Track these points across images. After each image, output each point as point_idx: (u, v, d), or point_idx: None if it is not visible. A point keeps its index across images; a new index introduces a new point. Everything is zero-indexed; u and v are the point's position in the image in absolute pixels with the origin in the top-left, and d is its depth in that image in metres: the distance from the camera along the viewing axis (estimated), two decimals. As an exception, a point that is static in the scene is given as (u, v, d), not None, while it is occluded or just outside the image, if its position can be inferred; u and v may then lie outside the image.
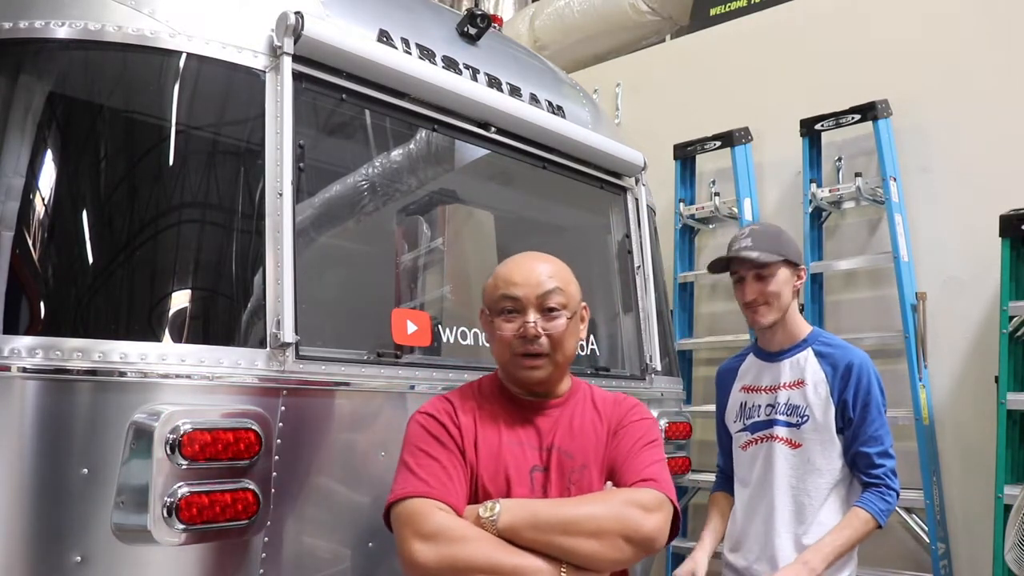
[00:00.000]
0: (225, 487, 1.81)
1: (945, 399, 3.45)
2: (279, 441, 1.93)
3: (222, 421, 1.82)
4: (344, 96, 2.26)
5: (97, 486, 1.75)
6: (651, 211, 3.27)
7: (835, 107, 3.71)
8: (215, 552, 1.86)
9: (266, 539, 1.92)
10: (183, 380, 1.83)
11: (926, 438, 3.39)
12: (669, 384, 3.10)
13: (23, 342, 1.76)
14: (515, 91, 2.74)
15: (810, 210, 3.78)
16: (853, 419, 2.30)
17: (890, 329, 3.55)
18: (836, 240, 3.87)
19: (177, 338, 1.86)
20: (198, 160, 2.02)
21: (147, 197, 1.96)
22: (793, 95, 3.98)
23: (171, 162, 1.97)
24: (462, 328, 2.47)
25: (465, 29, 2.69)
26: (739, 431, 2.49)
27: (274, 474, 1.92)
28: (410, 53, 2.42)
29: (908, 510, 3.46)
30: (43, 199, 1.90)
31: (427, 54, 2.48)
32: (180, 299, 1.94)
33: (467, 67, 2.59)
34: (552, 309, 1.80)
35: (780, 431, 2.37)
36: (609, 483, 1.82)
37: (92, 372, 1.76)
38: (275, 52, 2.08)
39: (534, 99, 2.81)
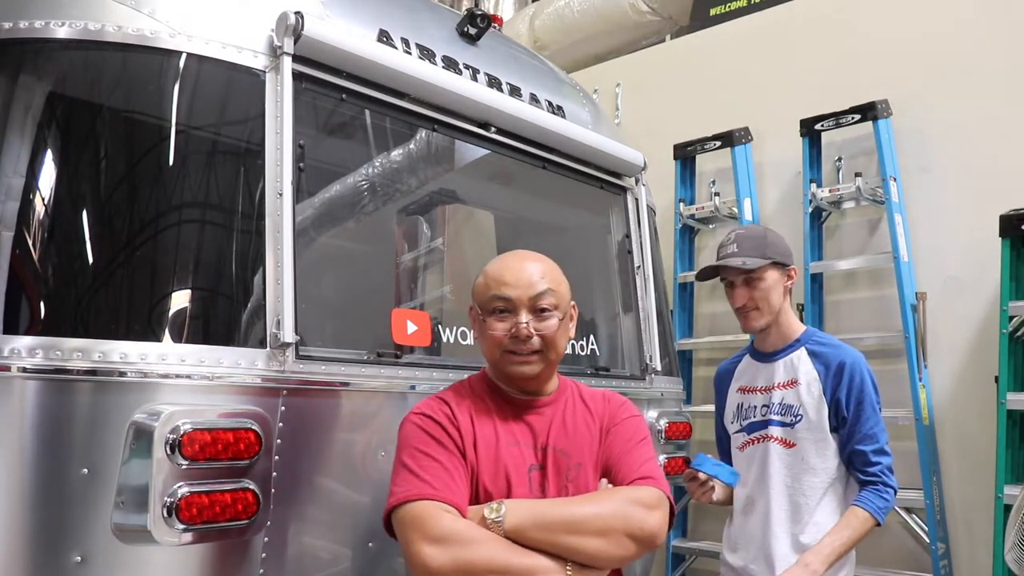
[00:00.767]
0: (225, 487, 1.81)
1: (945, 399, 3.45)
2: (279, 441, 1.93)
3: (222, 421, 1.82)
4: (344, 96, 2.26)
5: (97, 486, 1.75)
6: (651, 211, 3.27)
7: (835, 107, 3.71)
8: (215, 552, 1.86)
9: (266, 539, 1.92)
10: (183, 380, 1.83)
11: (926, 438, 3.39)
12: (669, 384, 3.11)
13: (23, 342, 1.76)
14: (515, 91, 2.74)
15: (810, 210, 3.78)
16: (847, 418, 2.31)
17: (890, 329, 3.55)
18: (836, 240, 3.87)
19: (177, 338, 1.86)
20: (198, 160, 2.02)
21: (147, 197, 1.96)
22: (793, 95, 3.98)
23: (171, 162, 1.97)
24: (462, 328, 2.47)
25: (465, 29, 2.69)
26: (736, 432, 2.50)
27: (274, 474, 1.92)
28: (410, 53, 2.42)
29: (908, 510, 3.46)
30: (43, 199, 1.90)
31: (427, 54, 2.48)
32: (180, 299, 1.94)
33: (467, 67, 2.59)
34: (544, 310, 1.80)
35: (775, 431, 2.37)
36: (604, 480, 1.82)
37: (92, 372, 1.76)
38: (275, 52, 2.08)
39: (534, 99, 2.81)
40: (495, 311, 1.80)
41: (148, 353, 1.81)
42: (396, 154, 2.55)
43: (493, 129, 2.62)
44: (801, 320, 3.49)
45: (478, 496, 1.75)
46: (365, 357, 2.17)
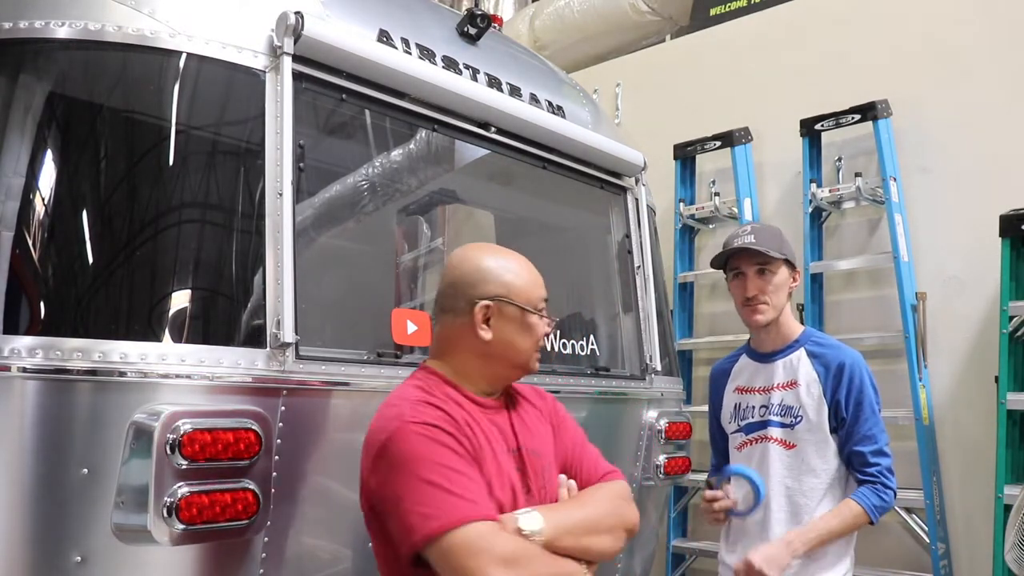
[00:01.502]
0: (225, 487, 1.81)
1: (945, 399, 3.45)
2: (279, 441, 1.93)
3: (222, 421, 1.82)
4: (344, 96, 2.26)
5: (97, 486, 1.75)
6: (651, 211, 3.27)
7: (835, 107, 3.71)
8: (215, 552, 1.86)
9: (266, 539, 1.92)
10: (183, 380, 1.83)
11: (926, 438, 3.39)
12: (669, 384, 3.11)
13: (23, 342, 1.76)
14: (515, 91, 2.74)
15: (810, 210, 3.79)
16: (846, 419, 2.30)
17: (890, 329, 3.55)
18: (836, 240, 3.87)
19: (177, 338, 1.86)
20: (198, 160, 2.02)
21: (147, 197, 1.96)
22: (793, 95, 3.98)
23: (171, 162, 1.97)
24: (462, 328, 2.46)
25: (465, 29, 2.69)
26: (734, 432, 2.49)
27: (274, 474, 1.92)
28: (410, 53, 2.42)
29: (908, 510, 3.46)
30: (43, 199, 1.90)
31: (427, 54, 2.48)
32: (180, 299, 1.94)
33: (467, 67, 2.59)
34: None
35: (774, 432, 2.37)
36: (563, 476, 1.79)
37: (92, 372, 1.77)
38: (275, 52, 2.08)
39: (534, 99, 2.80)
40: (541, 310, 1.77)
41: (148, 353, 1.81)
42: (396, 154, 2.55)
43: (493, 129, 2.62)
44: (801, 321, 3.50)
45: None
46: (365, 357, 2.17)
